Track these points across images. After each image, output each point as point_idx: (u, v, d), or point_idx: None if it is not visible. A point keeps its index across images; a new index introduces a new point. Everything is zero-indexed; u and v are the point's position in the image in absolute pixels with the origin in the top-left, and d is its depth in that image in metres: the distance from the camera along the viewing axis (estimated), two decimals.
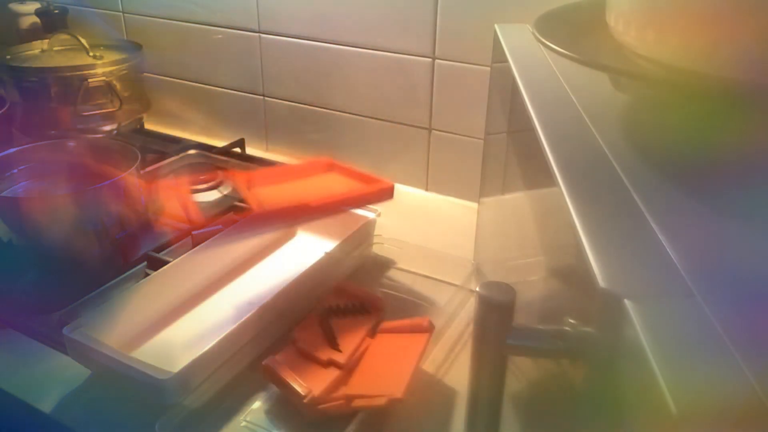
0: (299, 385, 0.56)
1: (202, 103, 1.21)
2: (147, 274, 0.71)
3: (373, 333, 0.65)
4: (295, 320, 0.66)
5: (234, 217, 0.79)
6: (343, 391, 0.57)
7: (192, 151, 1.11)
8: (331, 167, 0.79)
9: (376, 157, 1.06)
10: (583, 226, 0.29)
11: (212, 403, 0.58)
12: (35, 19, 1.26)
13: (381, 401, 0.55)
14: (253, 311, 0.61)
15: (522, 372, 0.45)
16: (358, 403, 0.56)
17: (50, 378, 0.62)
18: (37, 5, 1.27)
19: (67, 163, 0.89)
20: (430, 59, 0.93)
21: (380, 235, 0.84)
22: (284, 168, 0.77)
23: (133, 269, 0.72)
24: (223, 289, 0.74)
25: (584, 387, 0.30)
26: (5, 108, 1.00)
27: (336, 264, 0.74)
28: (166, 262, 0.71)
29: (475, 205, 0.80)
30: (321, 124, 1.08)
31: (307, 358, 0.60)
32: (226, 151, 1.09)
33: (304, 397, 0.55)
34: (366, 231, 0.80)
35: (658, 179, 0.34)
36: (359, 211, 0.81)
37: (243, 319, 0.60)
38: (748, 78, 0.32)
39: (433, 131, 0.98)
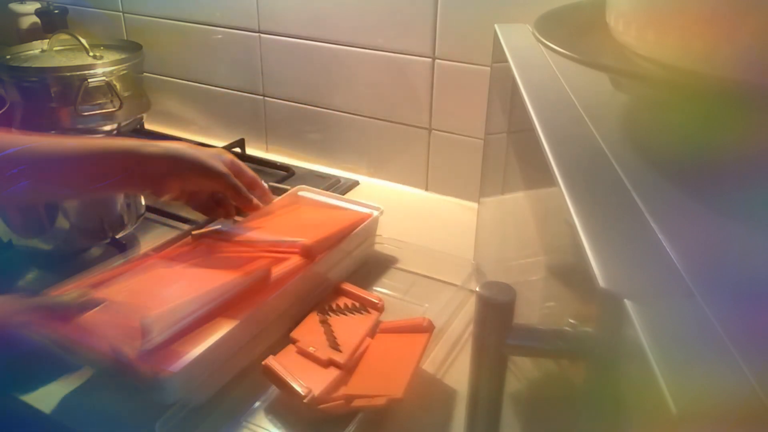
0: (299, 385, 0.56)
1: (202, 103, 1.21)
2: None
3: (372, 333, 0.65)
4: (295, 320, 0.66)
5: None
6: (343, 391, 0.57)
7: None
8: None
9: (376, 157, 1.06)
10: (583, 226, 0.29)
11: (212, 403, 0.58)
12: (35, 19, 1.26)
13: (381, 401, 0.55)
14: (253, 311, 0.61)
15: (522, 372, 0.45)
16: (358, 403, 0.56)
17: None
18: (37, 5, 1.27)
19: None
20: (430, 59, 0.94)
21: (380, 235, 0.84)
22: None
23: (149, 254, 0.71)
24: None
25: (584, 387, 0.30)
26: (5, 108, 1.00)
27: (337, 263, 0.74)
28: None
29: (475, 205, 0.80)
30: (321, 124, 1.08)
31: (307, 358, 0.60)
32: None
33: (304, 397, 0.55)
34: (369, 229, 0.80)
35: (658, 179, 0.34)
36: (361, 209, 0.81)
37: (243, 318, 0.60)
38: (747, 78, 0.32)
39: (433, 131, 0.98)
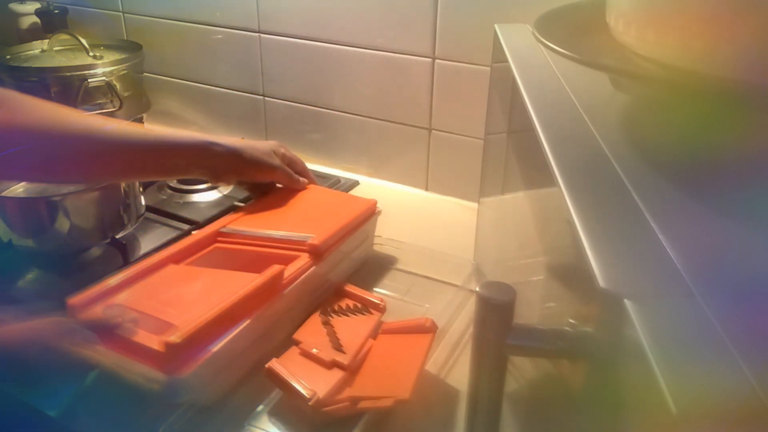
0: (303, 387, 0.56)
1: (202, 103, 1.21)
2: None
3: (375, 334, 0.65)
4: (298, 322, 0.66)
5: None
6: (348, 392, 0.57)
7: None
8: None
9: (376, 157, 1.06)
10: (583, 226, 0.29)
11: (215, 406, 0.58)
12: (35, 19, 1.26)
13: (387, 402, 0.54)
14: (260, 311, 0.60)
15: (522, 372, 0.45)
16: (363, 404, 0.55)
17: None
18: (37, 5, 1.27)
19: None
20: (430, 59, 0.94)
21: (380, 236, 0.84)
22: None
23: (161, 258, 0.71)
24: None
25: (584, 387, 0.30)
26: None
27: (338, 263, 0.74)
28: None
29: (475, 205, 0.80)
30: (321, 124, 1.09)
31: (311, 360, 0.60)
32: None
33: (309, 399, 0.55)
34: (369, 227, 0.80)
35: (658, 179, 0.34)
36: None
37: (251, 319, 0.59)
38: (747, 78, 0.32)
39: (433, 131, 0.98)
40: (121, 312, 0.57)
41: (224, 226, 0.73)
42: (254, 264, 0.65)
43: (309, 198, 0.81)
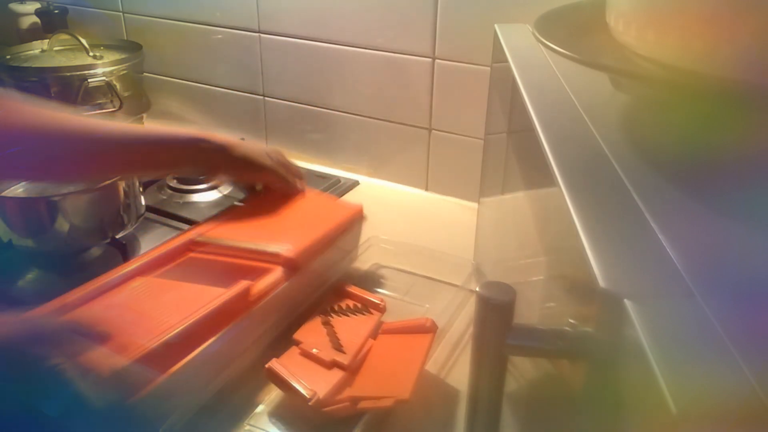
0: (303, 387, 0.56)
1: (202, 103, 1.21)
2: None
3: (375, 334, 0.65)
4: (297, 322, 0.66)
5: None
6: (348, 392, 0.57)
7: None
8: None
9: (376, 157, 1.06)
10: (583, 226, 0.29)
11: (216, 407, 0.58)
12: (35, 19, 1.26)
13: (388, 402, 0.54)
14: (220, 331, 0.58)
15: (522, 372, 0.45)
16: (364, 404, 0.55)
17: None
18: (37, 5, 1.27)
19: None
20: (430, 59, 0.94)
21: (379, 236, 0.84)
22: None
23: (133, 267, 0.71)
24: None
25: (584, 387, 0.30)
26: None
27: (317, 275, 0.72)
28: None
29: (475, 205, 0.80)
30: (321, 124, 1.09)
31: (311, 360, 0.60)
32: None
33: (309, 399, 0.55)
34: (352, 236, 0.78)
35: (658, 179, 0.34)
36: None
37: (210, 340, 0.57)
38: (747, 78, 0.32)
39: (433, 131, 0.98)
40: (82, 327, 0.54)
41: (200, 235, 0.70)
42: (228, 276, 0.62)
43: (291, 204, 0.77)
